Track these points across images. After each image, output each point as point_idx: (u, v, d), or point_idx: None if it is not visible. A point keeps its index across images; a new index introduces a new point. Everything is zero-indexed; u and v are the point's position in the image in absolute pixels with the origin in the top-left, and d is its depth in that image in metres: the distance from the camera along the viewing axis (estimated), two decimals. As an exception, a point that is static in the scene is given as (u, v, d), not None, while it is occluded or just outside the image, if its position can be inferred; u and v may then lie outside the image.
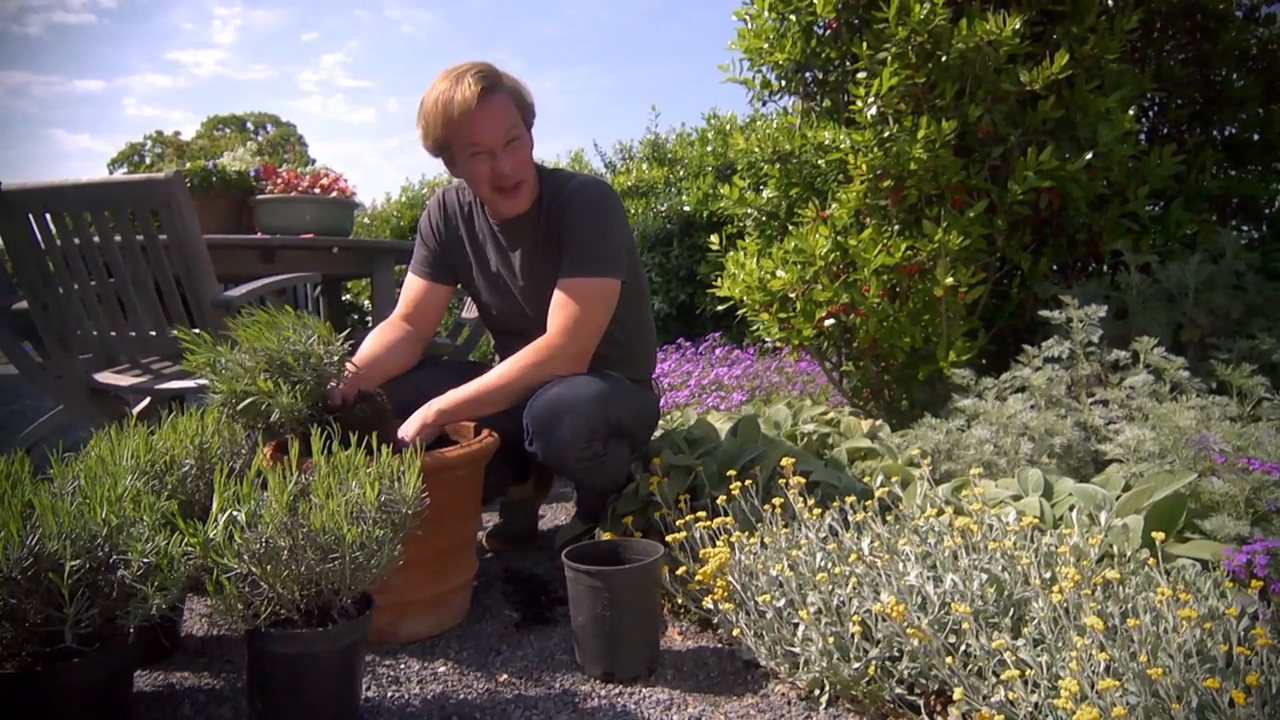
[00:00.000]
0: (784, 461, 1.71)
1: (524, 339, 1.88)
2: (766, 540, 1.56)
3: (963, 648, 1.24)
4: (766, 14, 2.72)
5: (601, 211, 1.87)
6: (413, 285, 2.05)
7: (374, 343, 1.96)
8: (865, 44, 2.45)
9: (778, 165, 2.84)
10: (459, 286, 2.12)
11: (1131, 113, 2.38)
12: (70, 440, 1.65)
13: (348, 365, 1.66)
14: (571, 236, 1.84)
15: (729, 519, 1.64)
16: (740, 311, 2.75)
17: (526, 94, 1.86)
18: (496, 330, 2.13)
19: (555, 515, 2.54)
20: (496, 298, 2.02)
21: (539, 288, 1.91)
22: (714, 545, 1.60)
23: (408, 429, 1.72)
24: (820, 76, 2.82)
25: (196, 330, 1.57)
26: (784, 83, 2.87)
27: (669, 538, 1.65)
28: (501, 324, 2.07)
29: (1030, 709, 1.11)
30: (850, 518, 1.55)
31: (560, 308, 1.81)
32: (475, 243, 2.01)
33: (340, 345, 1.60)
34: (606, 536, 1.73)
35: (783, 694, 1.43)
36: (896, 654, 1.31)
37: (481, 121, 1.76)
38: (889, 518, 1.58)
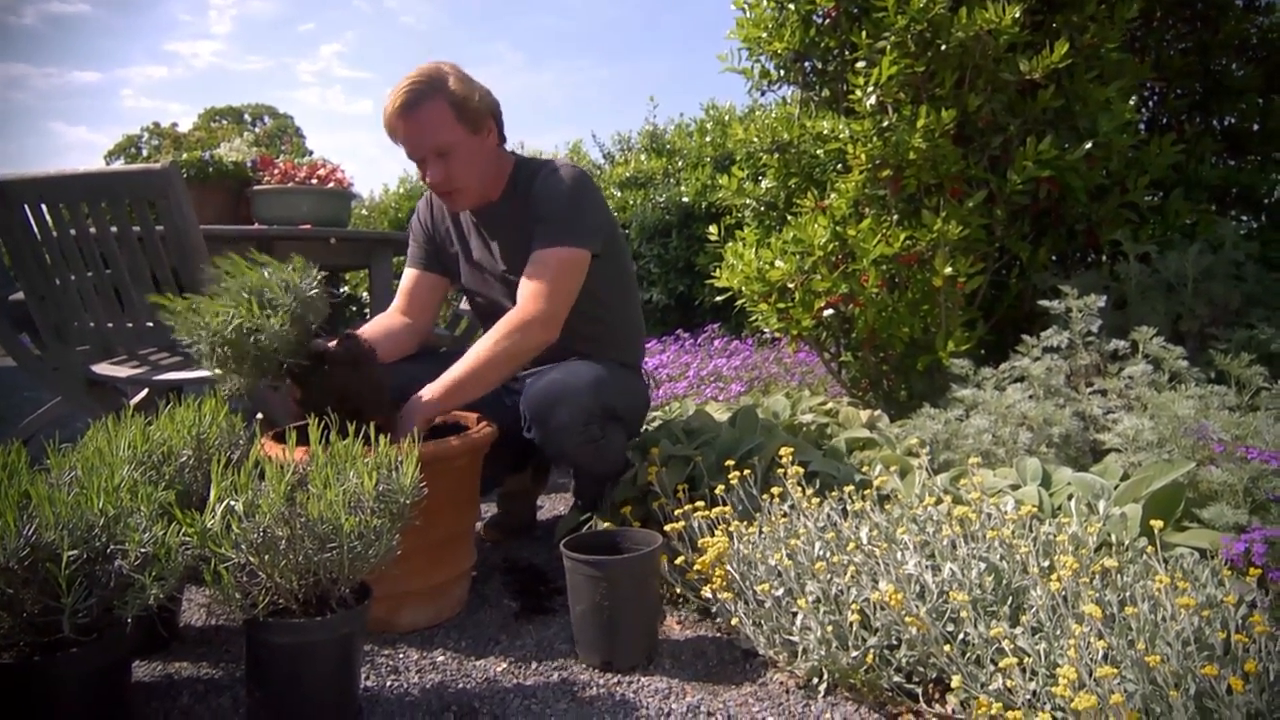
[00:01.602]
0: (782, 451, 1.71)
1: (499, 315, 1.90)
2: (765, 530, 1.56)
3: (961, 636, 1.24)
4: (765, 3, 2.71)
5: (571, 188, 1.90)
6: (407, 278, 2.11)
7: (370, 327, 2.00)
8: (864, 33, 2.44)
9: (776, 155, 2.83)
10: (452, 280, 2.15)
11: (1131, 102, 2.37)
12: (67, 431, 1.65)
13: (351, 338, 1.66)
14: (541, 211, 1.87)
15: (727, 509, 1.64)
16: (739, 302, 2.74)
17: (480, 98, 1.87)
18: (484, 317, 2.15)
19: (554, 505, 2.54)
20: (481, 285, 2.06)
21: (512, 263, 1.94)
22: (712, 535, 1.60)
23: (403, 421, 1.71)
24: (819, 66, 2.80)
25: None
26: (783, 72, 2.85)
27: (667, 527, 1.65)
28: (487, 311, 2.09)
29: (1028, 696, 1.11)
30: (849, 507, 1.55)
31: (529, 278, 1.83)
32: (460, 233, 2.06)
33: (316, 274, 1.61)
34: (605, 526, 1.73)
35: (781, 682, 1.43)
36: (895, 642, 1.31)
37: (404, 135, 1.84)
38: (887, 507, 1.58)
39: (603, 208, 1.96)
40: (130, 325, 2.34)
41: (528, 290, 1.82)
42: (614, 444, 1.87)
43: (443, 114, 1.81)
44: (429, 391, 1.73)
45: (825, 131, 2.56)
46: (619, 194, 6.02)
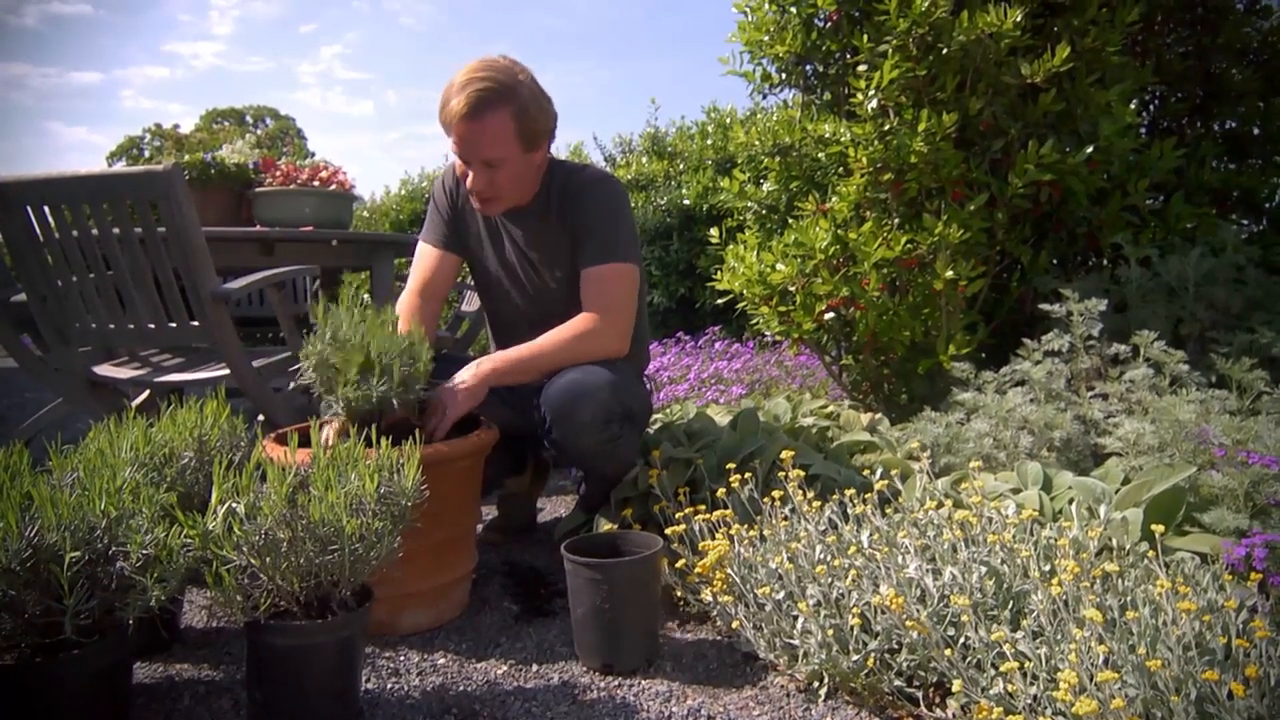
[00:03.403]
0: (783, 454, 1.71)
1: (518, 320, 1.95)
2: (766, 533, 1.56)
3: (962, 640, 1.24)
4: (767, 6, 2.71)
5: (620, 202, 1.93)
6: (427, 255, 2.03)
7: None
8: (866, 36, 2.44)
9: (778, 158, 2.83)
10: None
11: (1132, 106, 2.37)
12: (69, 433, 1.65)
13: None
14: (594, 224, 1.88)
15: (728, 512, 1.64)
16: (740, 305, 2.74)
17: (542, 113, 1.82)
18: (491, 306, 2.13)
19: (554, 508, 2.54)
20: (499, 270, 2.03)
21: (539, 268, 1.95)
22: (713, 538, 1.60)
23: (463, 377, 1.73)
24: (820, 69, 2.81)
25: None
26: (784, 75, 2.86)
27: (668, 530, 1.65)
28: (498, 301, 2.08)
29: (1029, 701, 1.11)
30: (850, 510, 1.55)
31: (597, 289, 1.85)
32: (488, 220, 2.02)
33: (427, 365, 1.64)
34: (606, 528, 1.73)
35: (782, 686, 1.43)
36: (895, 646, 1.31)
37: (458, 137, 1.79)
38: (888, 511, 1.58)
39: (633, 216, 1.99)
40: (132, 326, 2.34)
41: (599, 302, 1.85)
42: (630, 443, 1.88)
43: (504, 127, 1.76)
44: (491, 361, 1.77)
45: (826, 135, 2.56)
46: (620, 196, 6.01)
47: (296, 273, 2.46)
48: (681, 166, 6.09)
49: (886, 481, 1.66)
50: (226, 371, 2.30)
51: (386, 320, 1.61)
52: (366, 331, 1.57)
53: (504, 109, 1.75)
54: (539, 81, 1.83)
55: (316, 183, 3.42)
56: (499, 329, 2.14)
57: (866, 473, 1.89)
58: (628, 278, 1.88)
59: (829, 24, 2.66)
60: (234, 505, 1.24)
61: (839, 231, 2.49)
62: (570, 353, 1.81)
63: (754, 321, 2.80)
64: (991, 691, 1.16)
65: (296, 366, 1.64)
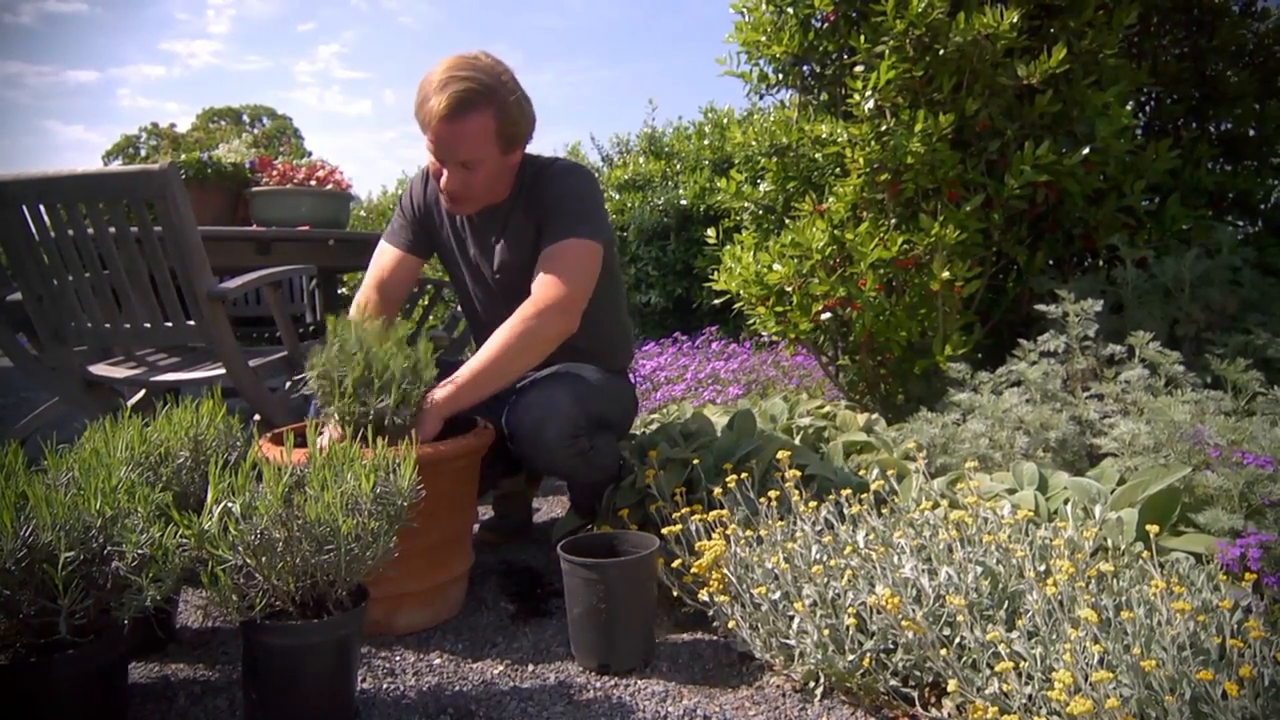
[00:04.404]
0: (780, 455, 1.71)
1: (491, 317, 1.91)
2: (762, 533, 1.56)
3: (957, 640, 1.24)
4: (764, 6, 2.72)
5: (584, 185, 1.88)
6: (389, 255, 2.00)
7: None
8: (863, 37, 2.45)
9: (775, 159, 2.83)
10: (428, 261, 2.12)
11: (1128, 107, 2.37)
12: (65, 432, 1.65)
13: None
14: (554, 205, 1.84)
15: (725, 512, 1.64)
16: (737, 305, 2.74)
17: (523, 115, 1.78)
18: (465, 304, 2.12)
19: (551, 508, 2.54)
20: (467, 268, 2.02)
21: (513, 264, 1.92)
22: (710, 538, 1.60)
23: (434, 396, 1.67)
24: (818, 70, 2.81)
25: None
26: (781, 76, 2.86)
27: (665, 530, 1.65)
28: (469, 299, 2.06)
29: (1024, 701, 1.11)
30: (846, 511, 1.55)
31: (546, 268, 1.78)
32: (453, 224, 2.00)
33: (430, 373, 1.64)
34: (603, 529, 1.73)
35: (778, 686, 1.43)
36: (891, 646, 1.32)
37: (435, 135, 1.74)
38: (884, 511, 1.58)
39: (604, 206, 1.96)
40: (128, 326, 2.33)
41: (543, 280, 1.77)
42: (604, 452, 1.86)
43: (484, 129, 1.72)
44: (441, 390, 1.66)
45: (823, 135, 2.56)
46: (617, 196, 6.02)
47: (293, 272, 2.45)
48: (679, 167, 6.09)
49: (882, 482, 1.67)
50: (222, 371, 2.30)
51: (398, 336, 1.61)
52: (372, 346, 1.57)
53: (486, 110, 1.71)
54: (520, 82, 1.80)
55: (313, 182, 3.41)
56: (474, 327, 2.13)
57: (863, 473, 1.89)
58: (580, 251, 1.79)
59: (826, 25, 2.66)
60: (230, 505, 1.24)
61: (836, 232, 2.49)
62: (520, 347, 1.71)
63: (751, 322, 2.80)
64: (987, 691, 1.16)
65: (301, 376, 1.64)
